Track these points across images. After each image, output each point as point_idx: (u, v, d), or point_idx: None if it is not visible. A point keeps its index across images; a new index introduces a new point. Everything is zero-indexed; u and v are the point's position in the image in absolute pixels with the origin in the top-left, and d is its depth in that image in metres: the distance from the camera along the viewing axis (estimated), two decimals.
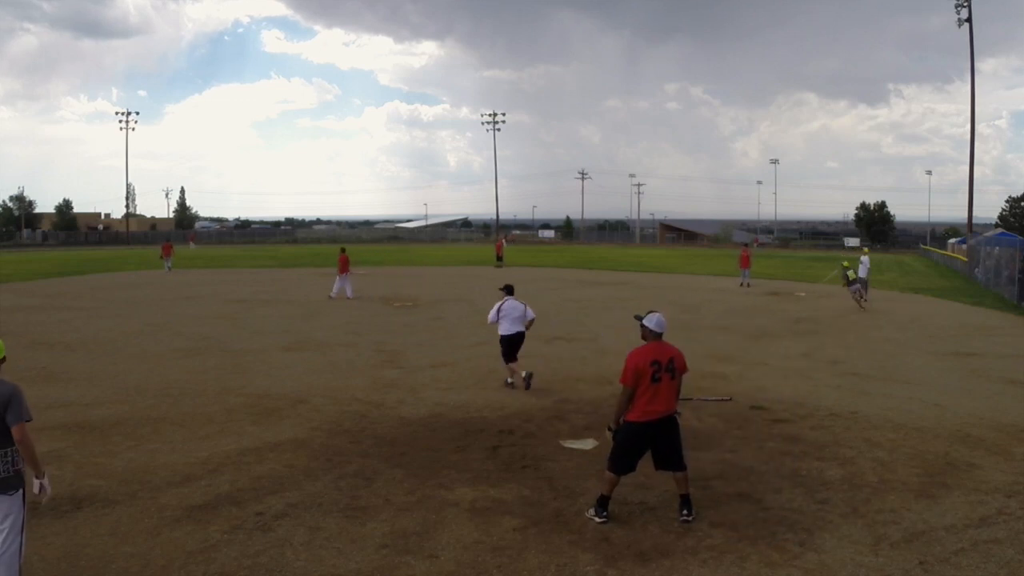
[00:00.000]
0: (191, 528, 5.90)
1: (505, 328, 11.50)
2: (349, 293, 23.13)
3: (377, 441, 8.26)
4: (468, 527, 5.95)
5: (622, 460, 6.03)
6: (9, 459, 4.58)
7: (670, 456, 6.05)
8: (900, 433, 8.61)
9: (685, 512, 6.05)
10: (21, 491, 4.69)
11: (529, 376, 11.14)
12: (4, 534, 4.63)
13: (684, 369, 6.24)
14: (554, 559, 5.39)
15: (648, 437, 5.99)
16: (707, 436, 8.46)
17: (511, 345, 11.40)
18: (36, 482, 4.72)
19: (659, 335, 6.17)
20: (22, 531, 4.70)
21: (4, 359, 4.79)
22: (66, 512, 6.20)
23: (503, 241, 47.15)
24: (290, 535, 5.79)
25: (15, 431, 4.54)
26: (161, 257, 36.88)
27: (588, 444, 8.18)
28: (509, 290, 12.03)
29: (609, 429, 6.22)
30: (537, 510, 6.30)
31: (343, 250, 24.69)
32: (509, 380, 11.35)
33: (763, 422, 9.07)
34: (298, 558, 5.41)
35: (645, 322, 6.27)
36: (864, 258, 23.51)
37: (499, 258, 40.41)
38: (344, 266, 23.31)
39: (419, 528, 5.93)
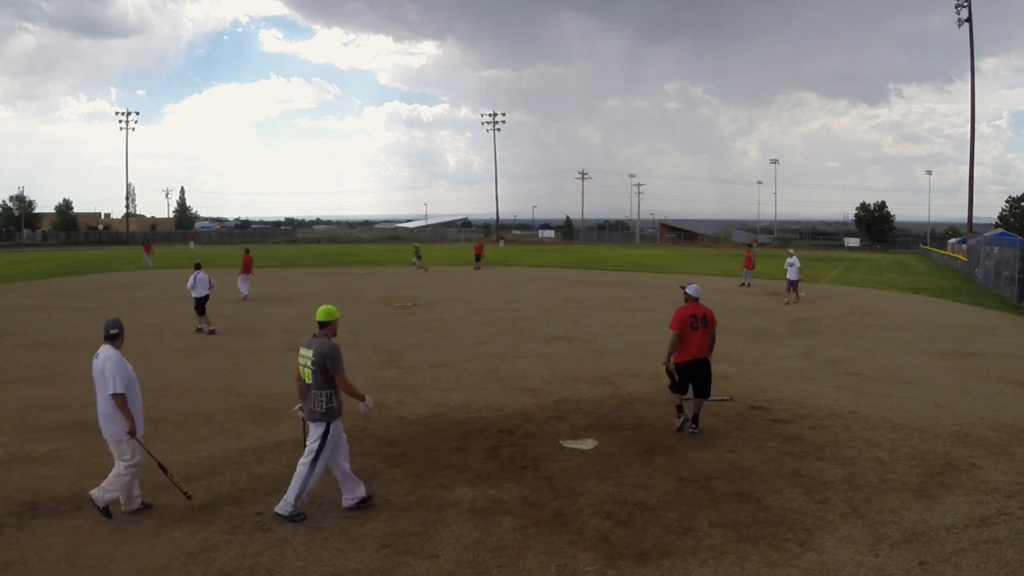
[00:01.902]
0: (191, 528, 5.91)
1: (198, 292, 16.50)
2: (245, 292, 23.11)
3: (377, 441, 8.26)
4: (468, 527, 5.95)
5: (677, 386, 8.51)
6: (323, 398, 6.05)
7: (700, 387, 8.51)
8: (900, 433, 8.61)
9: (694, 426, 8.50)
10: (326, 424, 6.07)
11: (212, 330, 16.20)
12: (307, 453, 6.10)
13: (714, 323, 8.57)
14: (554, 559, 5.39)
15: (691, 372, 8.42)
16: (707, 436, 8.46)
17: (202, 303, 16.46)
18: (360, 404, 6.28)
19: (696, 299, 8.59)
20: (317, 456, 6.05)
21: (332, 323, 6.21)
22: (66, 512, 6.21)
23: (482, 243, 47.14)
24: (290, 535, 5.79)
25: (336, 378, 6.06)
26: (144, 254, 41.81)
27: (588, 444, 8.18)
28: (198, 266, 17.39)
29: (664, 364, 8.44)
30: (537, 510, 6.30)
31: (247, 251, 24.85)
32: (200, 327, 16.30)
33: (763, 422, 9.07)
34: (298, 558, 5.41)
35: (687, 290, 8.69)
36: (793, 259, 23.45)
37: (478, 258, 40.12)
38: (247, 266, 23.34)
39: (419, 528, 5.93)
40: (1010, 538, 5.74)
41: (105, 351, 6.21)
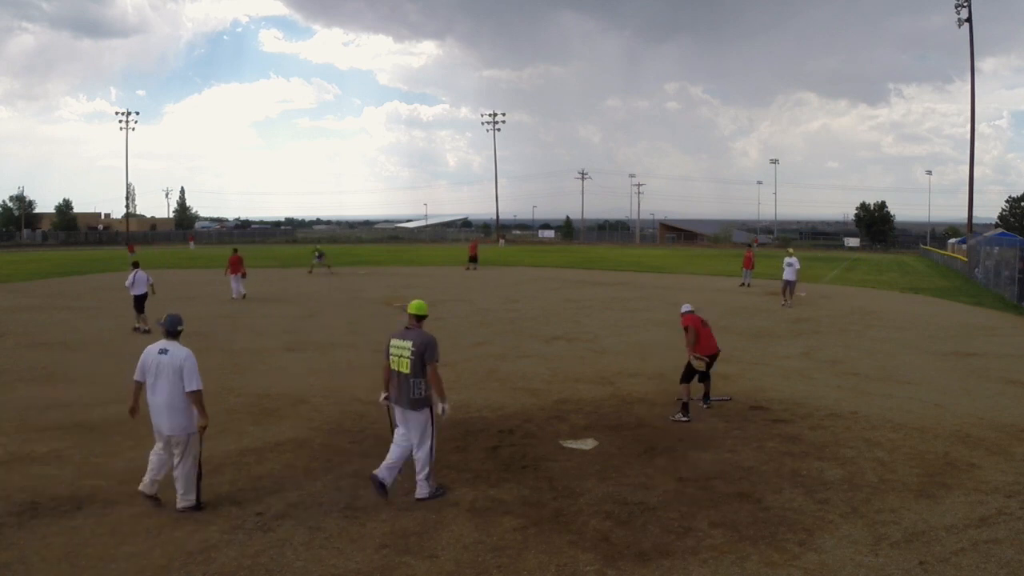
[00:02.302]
0: (191, 528, 5.90)
1: (136, 290, 16.75)
2: (241, 292, 23.16)
3: (377, 441, 8.24)
4: (468, 527, 5.96)
5: (690, 376, 9.44)
6: (422, 386, 6.43)
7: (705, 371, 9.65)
8: (900, 433, 8.61)
9: (706, 404, 9.71)
10: (427, 410, 6.50)
11: (147, 329, 15.66)
12: (419, 442, 6.51)
13: (709, 326, 9.94)
14: (554, 559, 5.39)
15: (705, 363, 9.55)
16: (707, 436, 8.46)
17: (141, 301, 16.66)
18: (439, 405, 6.47)
19: (692, 310, 9.98)
20: (432, 437, 6.55)
21: (426, 316, 6.75)
22: (66, 512, 6.21)
23: (477, 242, 46.55)
24: (290, 535, 5.79)
25: (429, 368, 6.38)
26: (128, 254, 41.60)
27: (588, 444, 8.18)
28: (136, 264, 17.65)
29: (692, 356, 9.46)
30: (537, 510, 6.30)
31: (235, 251, 24.74)
32: (137, 326, 16.29)
33: (763, 422, 9.07)
34: (298, 558, 5.41)
35: (682, 309, 10.07)
36: (792, 259, 22.43)
37: (472, 259, 38.86)
38: (234, 266, 23.28)
39: (419, 528, 5.93)
40: (1010, 538, 5.74)
41: (177, 348, 6.38)
